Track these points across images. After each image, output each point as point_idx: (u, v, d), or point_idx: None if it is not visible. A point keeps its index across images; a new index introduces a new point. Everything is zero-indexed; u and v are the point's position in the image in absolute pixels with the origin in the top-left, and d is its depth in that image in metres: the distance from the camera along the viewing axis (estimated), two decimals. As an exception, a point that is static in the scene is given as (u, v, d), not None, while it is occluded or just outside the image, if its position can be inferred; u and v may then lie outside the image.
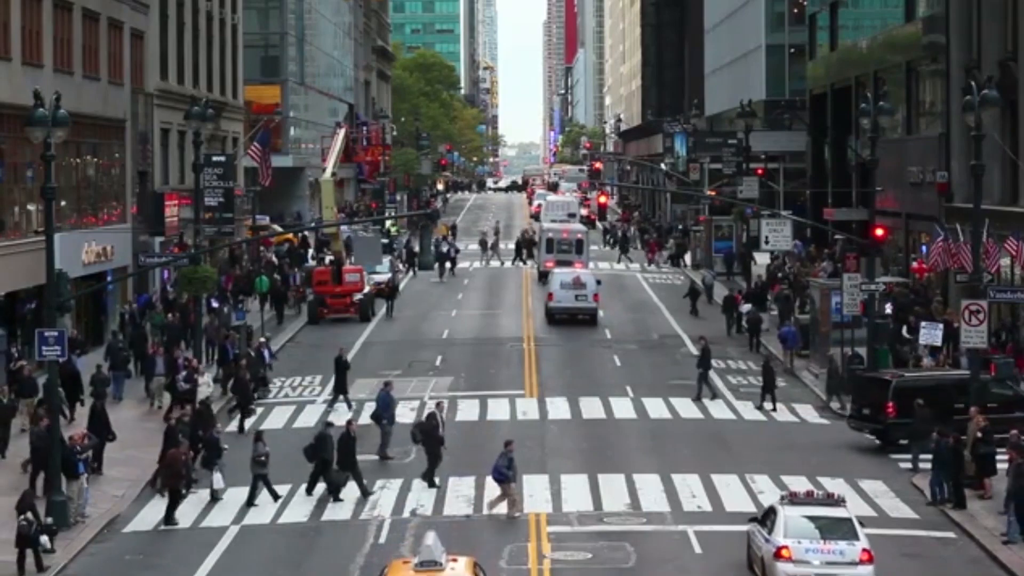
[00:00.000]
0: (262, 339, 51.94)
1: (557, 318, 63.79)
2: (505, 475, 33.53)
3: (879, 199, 53.07)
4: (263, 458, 35.10)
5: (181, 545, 31.89)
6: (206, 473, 35.98)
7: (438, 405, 38.92)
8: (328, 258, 72.27)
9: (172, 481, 33.92)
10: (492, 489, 34.31)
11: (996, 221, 47.60)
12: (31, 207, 48.81)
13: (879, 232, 50.45)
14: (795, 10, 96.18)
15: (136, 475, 37.50)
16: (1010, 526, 31.72)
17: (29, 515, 29.80)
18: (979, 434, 35.47)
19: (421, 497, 35.16)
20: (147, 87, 63.38)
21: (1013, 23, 52.64)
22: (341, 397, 46.14)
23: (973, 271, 40.30)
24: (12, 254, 46.36)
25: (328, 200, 70.13)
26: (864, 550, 27.55)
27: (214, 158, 62.28)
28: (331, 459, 35.24)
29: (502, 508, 33.67)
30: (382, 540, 31.91)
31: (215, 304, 56.23)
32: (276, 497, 35.11)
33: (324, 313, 65.16)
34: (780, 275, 69.11)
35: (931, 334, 45.39)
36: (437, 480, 36.18)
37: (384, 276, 73.16)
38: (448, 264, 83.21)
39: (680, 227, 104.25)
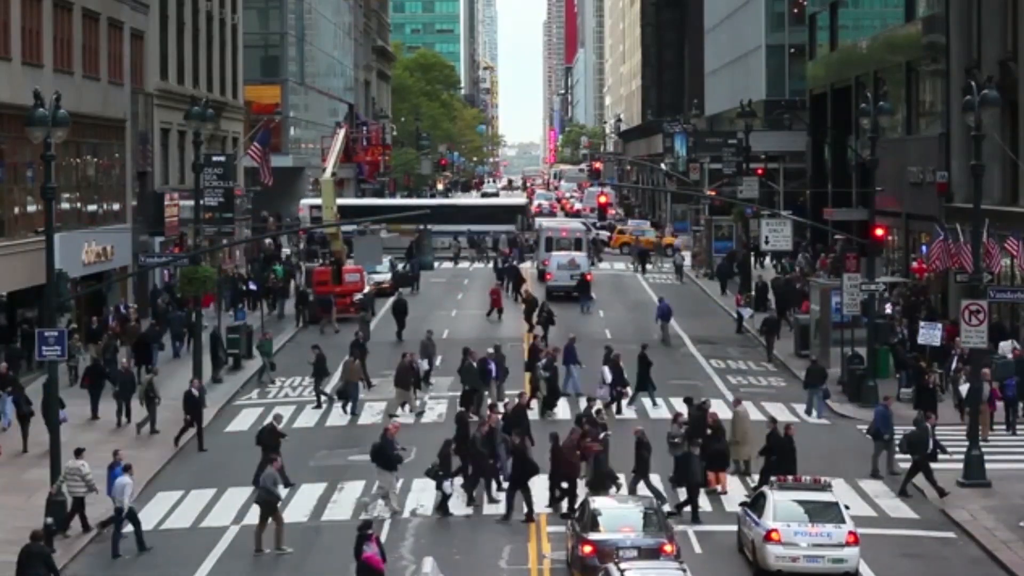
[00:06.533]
0: (490, 350, 47.80)
1: (555, 294, 71.29)
2: None
3: (879, 199, 53.08)
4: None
5: (181, 545, 31.88)
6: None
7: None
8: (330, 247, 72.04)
9: (568, 468, 33.85)
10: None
11: (996, 221, 47.59)
12: (31, 207, 48.83)
13: (879, 232, 50.42)
14: (795, 10, 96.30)
15: (136, 475, 37.40)
16: None
17: (438, 461, 34.07)
18: (709, 431, 35.93)
19: (421, 497, 35.12)
20: (147, 87, 63.43)
21: (1013, 23, 52.66)
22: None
23: (973, 271, 40.28)
24: (12, 254, 46.38)
25: (328, 200, 70.03)
26: (850, 532, 28.73)
27: (214, 158, 62.28)
28: (645, 471, 34.44)
29: None
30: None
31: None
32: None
33: (324, 313, 65.01)
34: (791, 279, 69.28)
35: (930, 334, 45.33)
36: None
37: (384, 276, 73.10)
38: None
39: None
